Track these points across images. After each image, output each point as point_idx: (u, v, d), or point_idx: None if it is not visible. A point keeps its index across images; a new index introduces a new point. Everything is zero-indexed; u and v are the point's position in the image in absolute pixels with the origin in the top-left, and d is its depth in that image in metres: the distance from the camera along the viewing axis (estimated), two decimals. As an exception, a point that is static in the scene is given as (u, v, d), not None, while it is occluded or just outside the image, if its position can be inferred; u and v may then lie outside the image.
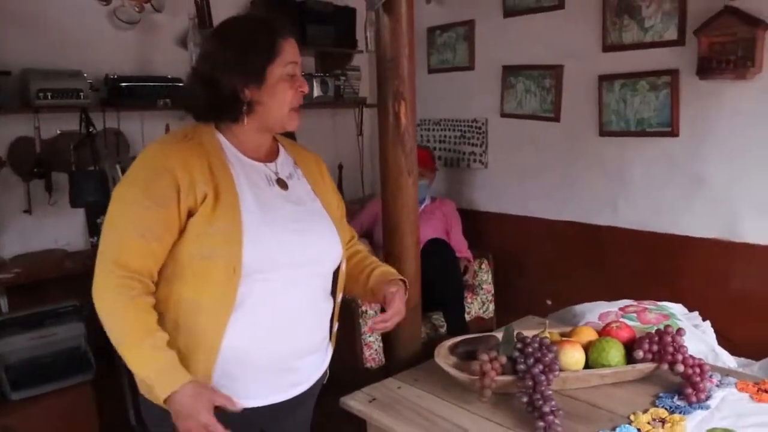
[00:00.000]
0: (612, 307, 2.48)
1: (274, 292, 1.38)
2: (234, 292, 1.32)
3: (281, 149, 1.56)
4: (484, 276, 3.51)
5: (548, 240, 3.47)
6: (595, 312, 2.48)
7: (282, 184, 1.48)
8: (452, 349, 1.88)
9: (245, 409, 1.34)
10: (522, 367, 1.62)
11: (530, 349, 1.65)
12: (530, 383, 1.56)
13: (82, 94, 3.01)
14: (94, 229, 3.30)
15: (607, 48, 3.07)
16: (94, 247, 3.22)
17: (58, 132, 3.16)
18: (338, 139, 4.19)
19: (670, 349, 1.68)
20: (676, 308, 2.48)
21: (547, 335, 1.84)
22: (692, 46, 2.75)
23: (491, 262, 3.56)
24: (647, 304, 2.49)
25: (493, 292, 3.53)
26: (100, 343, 2.83)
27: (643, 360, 1.70)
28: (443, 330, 3.19)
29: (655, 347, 1.71)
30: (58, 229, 3.25)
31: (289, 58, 1.40)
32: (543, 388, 1.55)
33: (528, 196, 3.54)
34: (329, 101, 3.83)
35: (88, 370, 2.80)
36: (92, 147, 3.05)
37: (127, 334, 1.27)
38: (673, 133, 2.89)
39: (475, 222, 3.72)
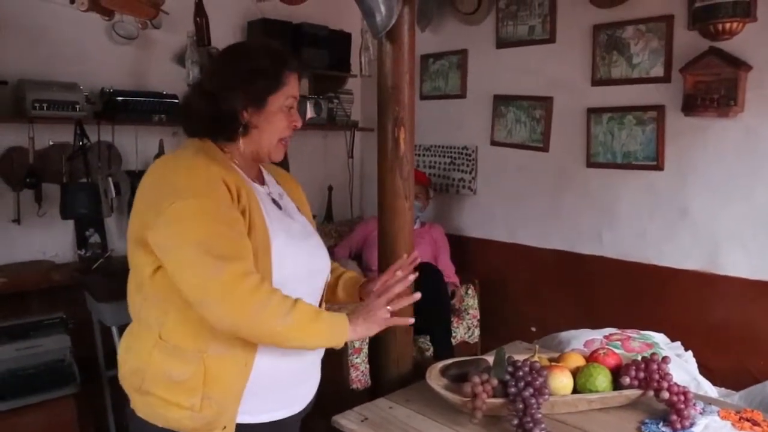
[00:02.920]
0: (597, 335, 2.52)
1: None
2: None
3: (263, 171, 1.60)
4: (470, 301, 3.54)
5: (534, 267, 3.52)
6: (580, 339, 2.52)
7: (277, 204, 1.53)
8: (443, 371, 1.91)
9: (273, 422, 1.42)
10: (513, 390, 1.65)
11: (521, 373, 1.68)
12: (521, 406, 1.60)
13: (78, 106, 3.03)
14: (82, 241, 3.30)
15: (596, 82, 3.17)
16: (82, 260, 3.24)
17: (51, 143, 3.16)
18: (329, 161, 4.23)
19: (656, 376, 1.72)
20: (659, 337, 2.54)
21: (537, 360, 1.88)
22: (678, 83, 2.85)
23: (477, 287, 3.60)
24: (631, 332, 2.54)
25: (478, 317, 3.57)
26: (83, 356, 2.85)
27: (630, 386, 1.74)
28: (429, 354, 3.22)
29: (641, 374, 1.75)
30: (47, 240, 3.24)
31: (291, 92, 1.46)
32: (533, 411, 1.58)
33: (515, 223, 3.60)
34: (322, 123, 3.89)
35: (72, 383, 2.77)
36: (85, 159, 3.06)
37: (285, 316, 1.29)
38: (659, 166, 2.97)
39: (462, 247, 3.77)
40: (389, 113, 1.98)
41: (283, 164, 1.91)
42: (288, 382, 1.46)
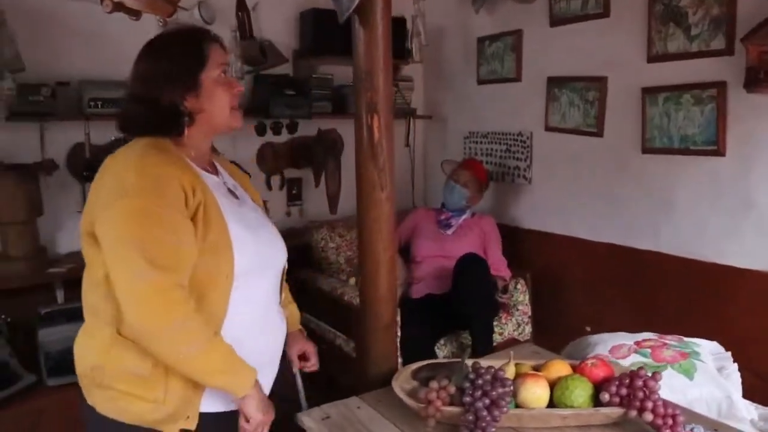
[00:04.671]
0: (628, 340, 2.30)
1: (257, 291, 1.49)
2: (227, 299, 1.39)
3: (216, 164, 1.59)
4: (520, 296, 3.35)
5: (589, 262, 3.26)
6: (608, 344, 2.31)
7: (233, 194, 1.53)
8: (415, 374, 1.82)
9: (236, 410, 1.44)
10: (468, 399, 1.53)
11: (480, 381, 1.55)
12: (471, 418, 1.48)
13: (130, 103, 3.20)
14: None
15: (652, 58, 2.85)
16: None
17: (113, 138, 3.37)
18: (388, 150, 4.16)
19: (640, 394, 1.52)
20: (707, 346, 2.26)
21: (512, 367, 1.73)
22: (741, 56, 2.49)
23: (529, 282, 3.40)
24: (671, 339, 2.28)
25: (530, 313, 3.37)
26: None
27: (610, 404, 1.56)
28: (469, 350, 3.09)
29: (624, 390, 1.55)
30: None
31: (219, 60, 1.45)
32: (485, 424, 1.46)
33: (570, 214, 3.35)
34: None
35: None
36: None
37: (194, 344, 1.29)
38: (719, 152, 2.62)
39: (516, 239, 3.58)
40: (363, 100, 1.90)
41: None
42: (257, 362, 1.45)
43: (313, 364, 1.85)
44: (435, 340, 3.06)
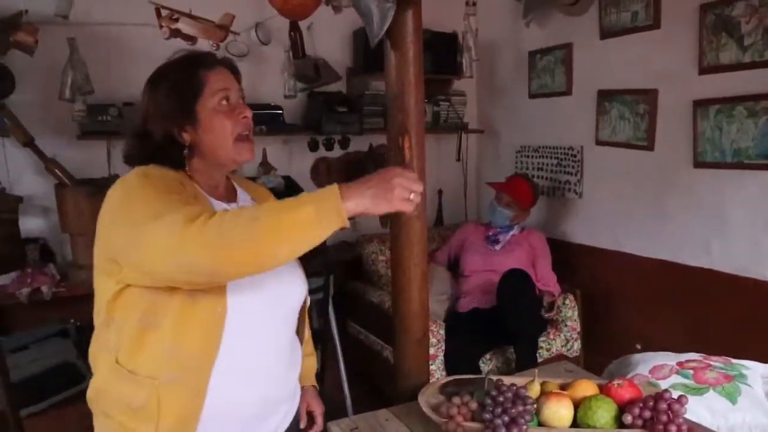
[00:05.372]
0: (670, 360, 2.24)
1: (255, 330, 1.34)
2: (220, 333, 1.27)
3: (237, 188, 1.52)
4: (568, 312, 3.31)
5: (639, 278, 3.18)
6: (650, 363, 2.26)
7: None
8: (443, 388, 1.84)
9: None
10: (488, 416, 1.54)
11: (501, 398, 1.57)
12: (490, 435, 1.50)
13: (188, 121, 3.38)
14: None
15: (703, 70, 2.77)
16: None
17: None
18: (440, 164, 4.19)
19: (664, 417, 1.50)
20: (757, 368, 2.17)
21: (536, 386, 1.73)
22: (796, 66, 2.40)
23: (578, 297, 3.35)
24: (716, 360, 2.21)
25: (579, 329, 3.32)
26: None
27: (632, 426, 1.54)
28: (513, 365, 3.08)
29: (647, 413, 1.53)
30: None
31: (218, 86, 1.33)
32: (503, 441, 1.48)
33: (620, 230, 3.28)
34: (428, 127, 3.86)
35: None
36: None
37: (267, 234, 1.08)
38: (775, 165, 2.53)
39: (566, 254, 3.53)
40: (394, 121, 1.95)
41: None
42: (247, 415, 1.36)
43: (317, 426, 1.70)
44: (480, 355, 3.06)
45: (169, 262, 1.11)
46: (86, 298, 3.15)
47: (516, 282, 3.06)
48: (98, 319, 1.34)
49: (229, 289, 1.27)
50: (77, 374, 3.00)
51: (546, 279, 3.33)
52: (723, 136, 2.70)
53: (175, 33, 2.73)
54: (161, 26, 2.73)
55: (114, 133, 3.24)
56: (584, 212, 3.53)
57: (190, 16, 2.74)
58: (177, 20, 2.70)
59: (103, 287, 1.30)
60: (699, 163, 2.83)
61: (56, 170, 3.01)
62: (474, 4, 3.66)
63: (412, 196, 1.16)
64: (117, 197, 1.24)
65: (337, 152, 3.73)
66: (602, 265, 3.40)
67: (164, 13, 2.70)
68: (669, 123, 2.97)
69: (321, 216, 1.09)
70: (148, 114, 1.34)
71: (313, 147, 3.69)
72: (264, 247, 1.08)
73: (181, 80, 1.33)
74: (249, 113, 1.37)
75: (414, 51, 1.97)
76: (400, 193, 1.15)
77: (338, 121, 3.50)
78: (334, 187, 1.12)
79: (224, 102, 1.34)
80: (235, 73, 1.43)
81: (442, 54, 3.83)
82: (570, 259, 3.53)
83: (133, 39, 3.38)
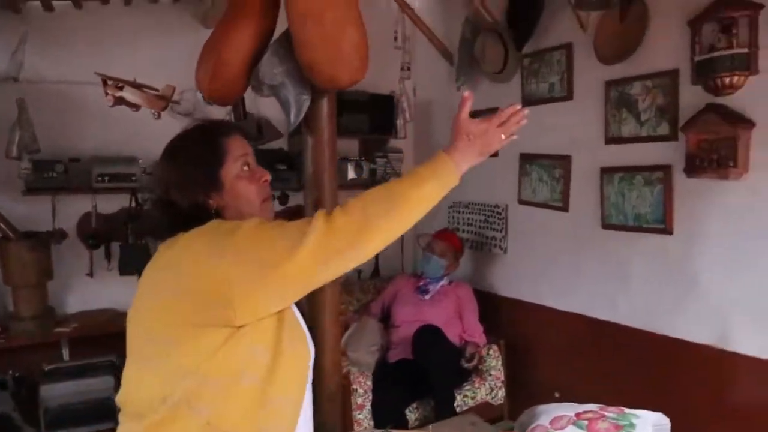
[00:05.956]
0: (570, 411, 2.40)
1: (306, 387, 1.41)
2: (306, 378, 1.37)
3: None
4: (493, 362, 3.49)
5: (558, 331, 3.40)
6: (551, 414, 2.41)
7: None
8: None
9: None
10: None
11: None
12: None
13: (134, 177, 3.52)
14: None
15: (609, 140, 3.05)
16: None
17: (120, 208, 3.69)
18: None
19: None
20: (649, 418, 2.35)
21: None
22: (683, 142, 2.67)
23: (502, 347, 3.54)
24: (611, 410, 2.38)
25: (503, 378, 3.50)
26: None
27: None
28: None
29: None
30: (116, 291, 3.74)
31: (238, 153, 1.41)
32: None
33: (541, 284, 3.51)
34: (365, 183, 4.07)
35: (112, 419, 3.19)
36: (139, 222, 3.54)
37: (397, 211, 1.30)
38: (668, 230, 2.78)
39: (492, 306, 3.73)
40: (309, 199, 2.13)
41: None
42: None
43: None
44: (407, 404, 3.21)
45: (342, 262, 1.26)
46: (27, 349, 3.23)
47: (428, 337, 3.27)
48: (184, 381, 1.25)
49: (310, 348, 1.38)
50: (13, 426, 3.05)
51: (472, 330, 3.52)
52: (625, 201, 2.96)
53: (120, 101, 2.89)
54: (107, 94, 2.89)
55: (60, 189, 3.36)
56: (509, 267, 3.75)
57: (134, 84, 2.91)
58: (122, 88, 2.86)
59: (197, 343, 1.24)
60: (606, 225, 3.07)
61: (0, 224, 3.11)
62: (408, 68, 3.92)
63: (503, 136, 1.49)
64: (239, 246, 1.23)
65: (277, 207, 3.89)
66: (525, 316, 3.61)
67: (110, 82, 2.86)
68: (581, 187, 3.23)
69: (444, 187, 1.37)
70: (171, 184, 1.36)
71: (254, 202, 3.84)
72: (403, 221, 1.30)
73: (204, 149, 1.39)
74: (268, 176, 1.48)
75: (328, 134, 2.14)
76: (498, 140, 1.48)
77: (277, 178, 3.67)
78: (447, 160, 1.38)
79: (245, 167, 1.42)
80: (246, 138, 1.52)
81: (380, 115, 4.06)
82: (496, 311, 3.73)
83: (81, 97, 3.52)
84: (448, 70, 4.08)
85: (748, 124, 2.46)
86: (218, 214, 1.38)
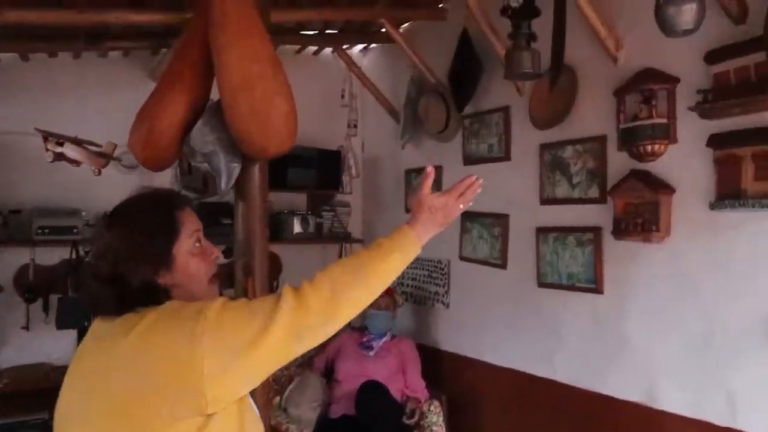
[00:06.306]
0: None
1: None
2: None
3: None
4: (433, 417, 3.50)
5: (499, 386, 3.44)
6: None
7: None
8: None
9: None
10: None
11: None
12: None
13: (76, 230, 3.49)
14: (81, 347, 3.69)
15: (543, 201, 3.16)
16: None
17: (61, 260, 3.64)
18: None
19: None
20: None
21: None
22: (611, 205, 2.78)
23: (444, 403, 3.56)
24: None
25: (443, 433, 3.51)
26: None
27: None
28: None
29: None
30: (53, 344, 3.66)
31: (192, 228, 1.33)
32: None
33: (481, 340, 3.56)
34: (311, 237, 4.11)
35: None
36: (79, 276, 3.49)
37: (361, 286, 1.32)
38: (598, 290, 2.87)
39: (434, 361, 3.77)
40: (239, 263, 2.16)
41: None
42: None
43: None
44: (347, 462, 3.19)
45: (314, 336, 1.25)
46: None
47: (371, 393, 3.28)
48: None
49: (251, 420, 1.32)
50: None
51: (414, 385, 3.54)
52: (559, 260, 3.05)
53: (60, 157, 2.88)
54: (47, 149, 2.88)
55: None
56: (451, 322, 3.80)
57: (75, 141, 2.90)
58: (62, 144, 2.85)
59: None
60: (542, 284, 3.16)
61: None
62: (355, 126, 4.01)
63: (461, 206, 1.58)
64: (212, 331, 1.17)
65: (221, 260, 3.88)
66: (466, 371, 3.64)
67: (51, 138, 2.86)
68: (518, 245, 3.32)
69: (406, 259, 1.41)
70: (121, 256, 1.25)
71: (198, 256, 3.83)
72: (369, 293, 1.33)
73: (157, 223, 1.30)
74: (216, 251, 1.39)
75: (259, 201, 2.20)
76: (456, 210, 1.57)
77: (221, 232, 3.67)
78: (410, 233, 1.44)
79: (197, 244, 1.34)
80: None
81: (327, 170, 4.13)
82: (438, 365, 3.76)
83: (23, 148, 3.51)
84: (394, 127, 4.17)
85: (669, 189, 2.59)
86: (166, 293, 1.28)
